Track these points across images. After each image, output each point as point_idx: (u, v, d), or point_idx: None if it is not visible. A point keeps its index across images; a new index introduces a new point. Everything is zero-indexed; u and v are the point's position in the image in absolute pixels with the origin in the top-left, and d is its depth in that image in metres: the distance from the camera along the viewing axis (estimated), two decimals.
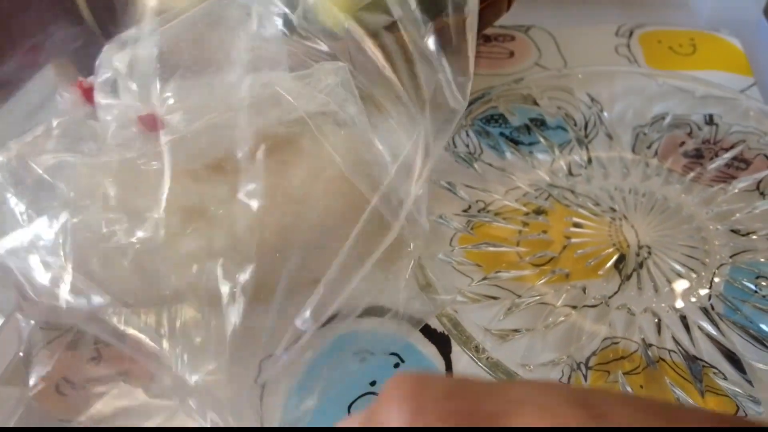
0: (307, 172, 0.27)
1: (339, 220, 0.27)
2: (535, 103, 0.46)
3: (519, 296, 0.35)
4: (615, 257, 0.37)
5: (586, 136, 0.44)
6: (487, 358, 0.29)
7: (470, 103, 0.43)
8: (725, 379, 0.32)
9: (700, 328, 0.34)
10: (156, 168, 0.28)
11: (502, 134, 0.44)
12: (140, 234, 0.27)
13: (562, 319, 0.34)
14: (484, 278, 0.35)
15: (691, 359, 0.32)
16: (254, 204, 0.26)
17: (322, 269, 0.29)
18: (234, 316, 0.28)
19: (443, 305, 0.31)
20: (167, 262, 0.28)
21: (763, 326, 0.34)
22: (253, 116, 0.26)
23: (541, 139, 0.44)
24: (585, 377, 0.31)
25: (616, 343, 0.33)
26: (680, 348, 0.33)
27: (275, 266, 0.27)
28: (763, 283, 0.36)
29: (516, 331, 0.33)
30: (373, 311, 0.35)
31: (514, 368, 0.30)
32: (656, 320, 0.34)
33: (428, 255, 0.33)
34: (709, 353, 0.33)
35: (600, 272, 0.36)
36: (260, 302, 0.30)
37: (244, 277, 0.28)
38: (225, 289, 0.28)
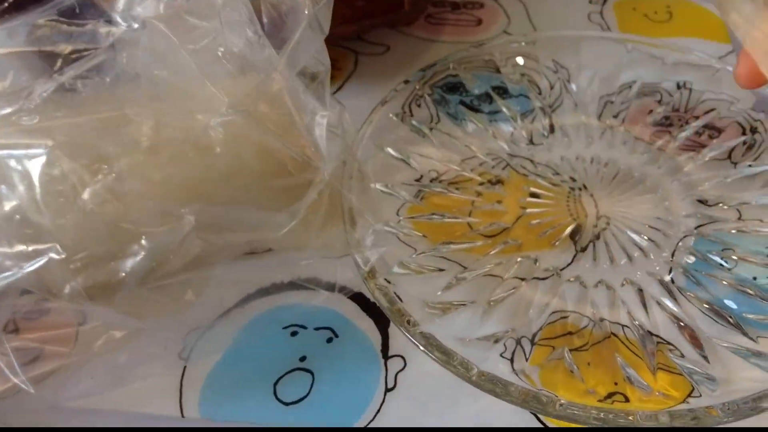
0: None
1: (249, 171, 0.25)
2: (498, 71, 0.43)
3: (465, 268, 0.33)
4: (571, 228, 0.35)
5: (551, 105, 0.42)
6: (420, 333, 0.27)
7: (428, 69, 0.41)
8: (682, 356, 0.29)
9: (658, 303, 0.31)
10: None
11: (462, 102, 0.42)
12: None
13: (509, 291, 0.32)
14: (429, 249, 0.33)
15: (646, 335, 0.30)
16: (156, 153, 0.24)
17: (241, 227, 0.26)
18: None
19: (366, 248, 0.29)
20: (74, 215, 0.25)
21: (728, 302, 0.31)
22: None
23: (503, 108, 0.41)
24: (526, 352, 0.29)
25: (566, 317, 0.31)
26: (635, 323, 0.30)
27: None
28: (734, 257, 0.33)
29: (458, 304, 0.31)
30: (306, 283, 0.33)
31: (450, 343, 0.27)
32: (610, 293, 0.32)
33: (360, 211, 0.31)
34: (666, 329, 0.30)
35: (554, 243, 0.34)
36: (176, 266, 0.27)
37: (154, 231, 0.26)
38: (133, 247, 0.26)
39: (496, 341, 0.29)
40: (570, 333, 0.30)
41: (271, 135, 0.24)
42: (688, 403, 0.27)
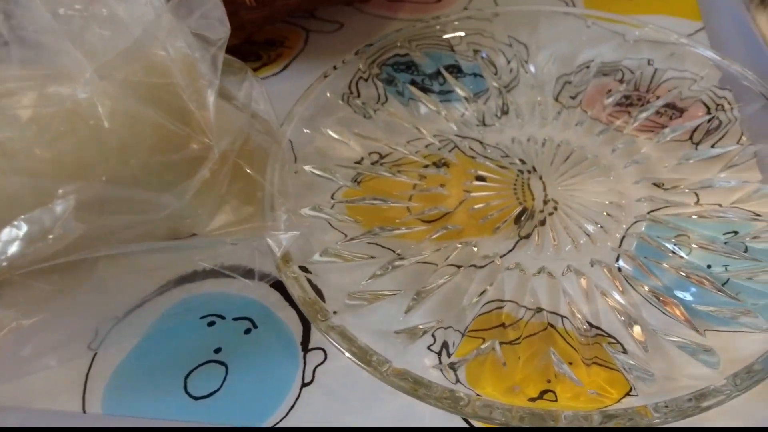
0: None
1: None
2: (452, 49, 0.41)
3: (399, 255, 0.30)
4: (515, 212, 0.32)
5: (506, 85, 0.39)
6: (329, 324, 0.25)
7: (372, 45, 0.38)
8: (624, 351, 0.27)
9: (603, 293, 0.29)
10: None
11: (413, 82, 0.39)
12: None
13: (444, 280, 0.29)
14: (361, 235, 0.31)
15: (587, 327, 0.28)
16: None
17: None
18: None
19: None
20: None
21: (679, 292, 0.29)
22: None
23: (455, 88, 0.39)
24: (453, 345, 0.27)
25: (501, 307, 0.28)
26: (575, 314, 0.28)
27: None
28: (688, 244, 0.31)
29: (387, 293, 0.28)
30: (229, 270, 0.30)
31: (369, 336, 0.25)
32: (552, 282, 0.29)
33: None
34: (608, 321, 0.28)
35: (496, 229, 0.32)
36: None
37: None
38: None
39: (424, 333, 0.27)
40: (503, 325, 0.28)
41: (146, 104, 0.22)
42: (621, 403, 0.24)
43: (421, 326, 0.27)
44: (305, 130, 0.34)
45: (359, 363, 0.24)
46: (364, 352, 0.24)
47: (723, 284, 0.28)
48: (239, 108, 0.26)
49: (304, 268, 0.28)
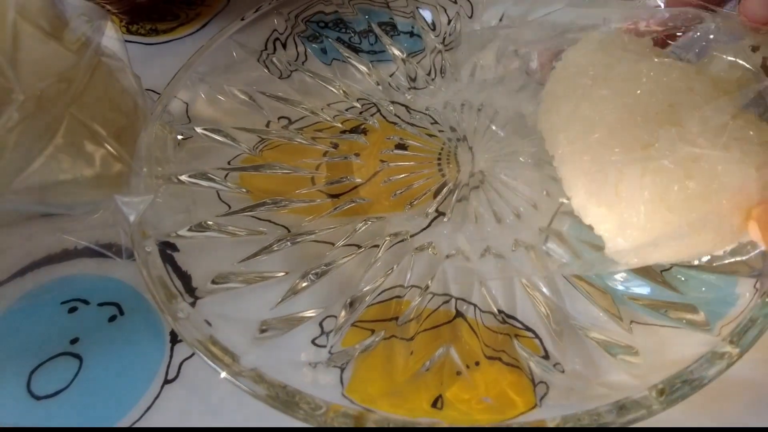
0: None
1: None
2: (387, 5, 0.36)
3: (289, 231, 0.26)
4: (435, 186, 0.28)
5: (445, 44, 0.35)
6: (186, 315, 0.21)
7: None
8: (542, 343, 0.23)
9: (526, 280, 0.25)
10: None
11: (340, 40, 0.35)
12: None
13: (339, 261, 0.25)
14: (245, 207, 0.26)
15: (501, 317, 0.23)
16: None
17: None
18: None
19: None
20: None
21: (611, 281, 0.24)
22: None
23: (388, 47, 0.34)
24: (335, 337, 0.22)
25: (401, 296, 0.24)
26: (491, 302, 0.24)
27: None
28: None
29: (266, 276, 0.24)
30: (104, 249, 0.26)
31: (230, 325, 0.21)
32: (466, 265, 0.25)
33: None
34: (525, 312, 0.24)
35: (410, 204, 0.27)
36: None
37: None
38: None
39: (303, 322, 0.23)
40: (396, 318, 0.23)
41: None
42: (524, 414, 0.20)
43: (300, 314, 0.23)
44: (203, 89, 0.30)
45: (209, 362, 0.20)
46: (212, 344, 0.20)
47: (663, 271, 0.24)
48: (70, 50, 0.22)
49: (169, 244, 0.23)
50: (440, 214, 0.27)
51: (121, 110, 0.25)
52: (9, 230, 0.28)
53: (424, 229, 0.27)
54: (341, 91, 0.33)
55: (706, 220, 0.19)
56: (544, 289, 0.24)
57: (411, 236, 0.26)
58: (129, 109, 0.25)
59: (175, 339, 0.24)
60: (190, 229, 0.24)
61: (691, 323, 0.22)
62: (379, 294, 0.24)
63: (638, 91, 0.21)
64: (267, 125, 0.31)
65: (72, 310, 0.25)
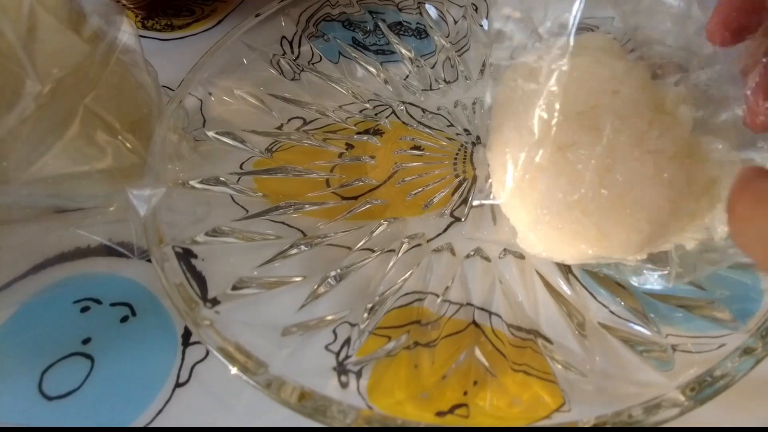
0: None
1: None
2: (397, 6, 0.36)
3: (305, 235, 0.26)
4: (451, 186, 0.28)
5: (455, 45, 0.34)
6: (209, 322, 0.20)
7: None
8: (557, 353, 0.22)
9: (549, 284, 0.24)
10: None
11: (354, 40, 0.35)
12: None
13: (356, 266, 0.25)
14: (261, 212, 0.26)
15: (520, 328, 0.23)
16: None
17: None
18: None
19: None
20: None
21: (634, 280, 0.24)
22: None
23: (400, 48, 0.34)
24: (355, 344, 0.22)
25: (421, 300, 0.24)
26: (511, 308, 0.23)
27: None
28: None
29: (284, 281, 0.24)
30: (119, 246, 0.26)
31: (250, 331, 0.21)
32: (486, 267, 0.25)
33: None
34: (548, 313, 0.23)
35: (426, 206, 0.27)
36: None
37: None
38: None
39: (323, 328, 0.23)
40: (416, 321, 0.23)
41: None
42: (550, 418, 0.20)
43: (321, 319, 0.23)
44: (211, 90, 0.29)
45: (232, 367, 0.20)
46: (238, 351, 0.20)
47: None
48: (87, 42, 0.21)
49: (187, 251, 0.23)
50: (457, 216, 0.27)
51: (136, 103, 0.24)
52: (23, 226, 0.27)
53: (442, 233, 0.26)
54: (350, 93, 0.32)
55: (617, 228, 0.19)
56: (566, 288, 0.24)
57: (428, 240, 0.26)
58: (143, 102, 0.25)
59: (187, 342, 0.24)
60: (206, 234, 0.24)
61: (718, 320, 0.22)
62: (399, 298, 0.24)
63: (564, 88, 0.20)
64: (280, 128, 0.30)
65: (84, 309, 0.25)
